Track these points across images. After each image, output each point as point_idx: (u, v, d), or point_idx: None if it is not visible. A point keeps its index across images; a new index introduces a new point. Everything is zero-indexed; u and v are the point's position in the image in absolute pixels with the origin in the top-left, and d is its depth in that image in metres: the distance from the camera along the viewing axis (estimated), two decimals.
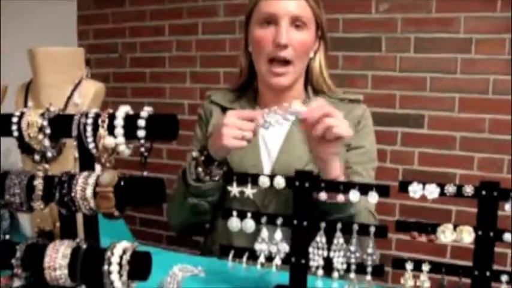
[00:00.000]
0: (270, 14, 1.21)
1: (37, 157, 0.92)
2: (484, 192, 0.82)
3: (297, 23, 1.22)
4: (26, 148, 0.97)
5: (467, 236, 0.83)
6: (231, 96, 1.36)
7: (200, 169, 1.17)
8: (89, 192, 0.81)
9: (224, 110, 1.31)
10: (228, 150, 1.11)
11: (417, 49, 2.17)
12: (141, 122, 0.84)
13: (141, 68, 2.76)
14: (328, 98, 1.28)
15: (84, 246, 0.79)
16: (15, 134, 0.90)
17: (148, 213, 2.72)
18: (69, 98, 1.17)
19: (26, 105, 1.17)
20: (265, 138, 1.29)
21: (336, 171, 1.07)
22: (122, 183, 0.80)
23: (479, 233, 0.82)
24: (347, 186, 0.86)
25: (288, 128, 1.27)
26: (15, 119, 0.91)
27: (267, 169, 1.26)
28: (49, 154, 0.91)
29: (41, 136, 0.90)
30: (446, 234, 0.84)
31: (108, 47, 2.83)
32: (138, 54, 2.76)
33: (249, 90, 1.36)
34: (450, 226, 0.84)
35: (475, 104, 2.10)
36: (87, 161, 0.89)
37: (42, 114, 0.91)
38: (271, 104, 1.30)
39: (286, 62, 1.22)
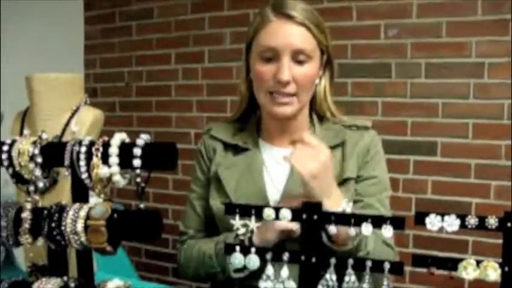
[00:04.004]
0: (270, 48, 1.14)
1: (32, 188, 0.88)
2: (509, 224, 0.75)
3: (299, 57, 1.13)
4: (19, 178, 0.92)
5: (492, 272, 0.75)
6: (232, 130, 1.28)
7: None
8: (80, 225, 0.76)
9: (226, 146, 1.25)
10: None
11: (428, 74, 2.12)
12: (137, 151, 0.79)
13: (147, 96, 2.74)
14: (333, 124, 1.22)
15: (72, 284, 0.73)
16: (5, 163, 0.86)
17: (153, 245, 2.65)
18: (66, 125, 1.12)
19: (21, 134, 1.12)
20: (271, 177, 1.21)
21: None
22: (115, 216, 0.75)
23: (506, 269, 0.75)
24: (359, 219, 0.80)
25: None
26: (5, 148, 0.87)
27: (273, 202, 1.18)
28: (40, 184, 0.87)
29: (32, 165, 0.86)
30: (468, 271, 0.77)
31: (114, 76, 2.82)
32: (144, 83, 2.75)
33: (250, 121, 1.28)
34: (473, 261, 0.77)
35: (490, 129, 2.03)
36: (80, 192, 0.85)
37: (34, 142, 0.87)
38: (275, 135, 1.26)
39: (290, 94, 1.15)
